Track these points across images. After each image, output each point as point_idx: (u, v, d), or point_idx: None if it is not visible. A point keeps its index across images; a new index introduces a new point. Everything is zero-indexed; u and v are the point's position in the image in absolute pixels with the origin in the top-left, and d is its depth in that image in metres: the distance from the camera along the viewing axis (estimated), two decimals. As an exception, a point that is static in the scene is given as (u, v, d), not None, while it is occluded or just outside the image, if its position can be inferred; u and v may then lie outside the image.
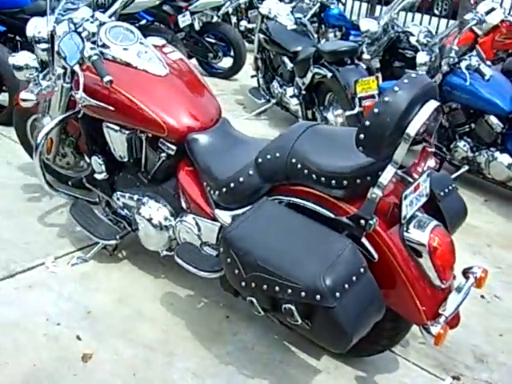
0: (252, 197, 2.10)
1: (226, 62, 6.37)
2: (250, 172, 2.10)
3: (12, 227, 2.99)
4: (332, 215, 1.92)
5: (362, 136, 1.73)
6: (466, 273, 2.04)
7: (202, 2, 5.90)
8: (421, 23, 6.90)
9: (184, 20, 5.66)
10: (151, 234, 2.53)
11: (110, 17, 2.65)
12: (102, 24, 2.54)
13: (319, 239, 1.82)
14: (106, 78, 2.21)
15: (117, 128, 2.51)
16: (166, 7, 5.60)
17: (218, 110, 2.52)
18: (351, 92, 3.98)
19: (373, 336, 2.09)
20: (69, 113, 2.67)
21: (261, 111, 5.25)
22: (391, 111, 1.67)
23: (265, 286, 1.80)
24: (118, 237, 2.64)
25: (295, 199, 2.01)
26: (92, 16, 2.58)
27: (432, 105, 1.72)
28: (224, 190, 2.17)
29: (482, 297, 2.83)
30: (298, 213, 1.93)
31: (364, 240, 1.87)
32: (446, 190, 2.17)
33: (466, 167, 3.91)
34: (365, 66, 4.40)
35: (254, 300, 1.89)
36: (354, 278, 1.74)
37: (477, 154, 3.88)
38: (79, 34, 2.31)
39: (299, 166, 1.95)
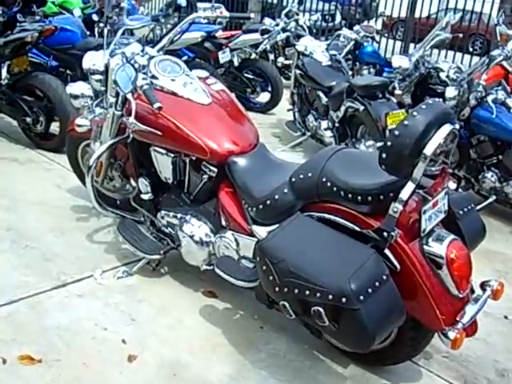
0: (286, 213, 2.30)
1: (264, 97, 6.65)
2: (285, 190, 2.31)
3: (63, 243, 3.25)
4: (358, 228, 2.10)
5: (384, 155, 1.93)
6: (483, 286, 2.19)
7: (241, 40, 6.23)
8: (453, 61, 7.09)
9: (224, 56, 5.98)
10: (193, 250, 2.74)
11: (158, 51, 2.92)
12: (151, 57, 2.81)
13: (346, 249, 2.01)
14: (156, 105, 2.46)
15: (163, 152, 2.76)
16: (207, 44, 5.93)
17: (256, 136, 2.75)
18: (382, 124, 4.17)
19: (396, 345, 2.25)
20: (119, 138, 2.93)
21: (296, 143, 5.48)
22: (410, 133, 1.86)
23: (296, 291, 1.98)
24: (161, 252, 2.86)
25: (325, 215, 2.20)
26: (142, 50, 2.86)
27: (447, 128, 1.90)
28: (261, 206, 2.38)
29: (506, 317, 2.94)
30: (327, 226, 2.12)
31: (387, 251, 2.05)
32: (465, 210, 2.33)
33: (494, 197, 4.04)
34: (396, 101, 4.60)
35: (287, 304, 2.07)
36: (377, 284, 1.91)
37: (504, 184, 4.00)
38: (133, 65, 2.58)
39: (329, 184, 2.15)
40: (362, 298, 1.86)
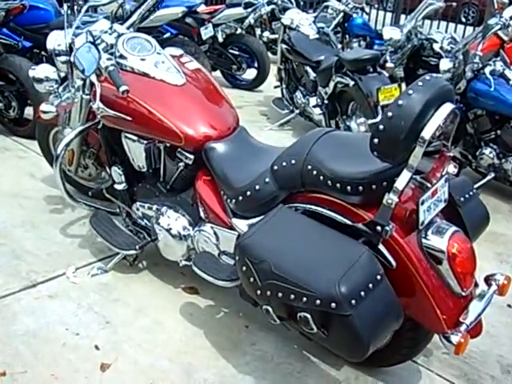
0: (268, 205, 2.08)
1: (250, 74, 6.38)
2: (266, 180, 2.09)
3: (34, 238, 3.03)
4: (349, 222, 1.89)
5: (376, 140, 1.70)
6: (488, 280, 1.99)
7: (224, 15, 5.94)
8: (446, 31, 6.83)
9: (206, 32, 5.70)
10: (170, 244, 2.53)
11: (128, 28, 2.68)
12: (120, 35, 2.56)
13: (335, 246, 1.79)
14: (122, 88, 2.22)
15: (135, 138, 2.53)
16: (188, 20, 5.64)
17: (235, 119, 2.52)
18: (374, 100, 3.94)
19: (393, 346, 2.05)
20: (88, 124, 2.69)
21: (284, 122, 5.24)
22: (405, 115, 1.64)
23: (280, 294, 1.77)
24: (137, 247, 2.64)
25: (311, 206, 1.99)
26: (110, 28, 2.61)
27: (447, 107, 1.68)
28: (240, 198, 2.16)
29: (509, 306, 2.74)
30: (313, 220, 1.91)
31: (381, 247, 1.84)
32: (467, 196, 2.11)
33: (493, 174, 3.83)
34: (388, 75, 4.37)
35: (270, 308, 1.86)
36: (371, 286, 1.70)
37: (503, 160, 3.79)
38: (95, 45, 2.33)
39: (314, 172, 1.93)
40: (353, 302, 1.65)
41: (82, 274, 2.76)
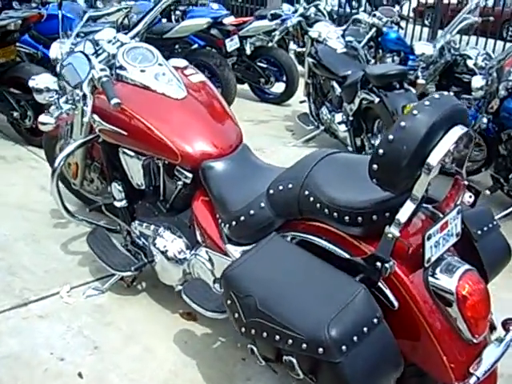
0: (264, 232, 1.91)
1: (279, 87, 6.23)
2: (262, 204, 1.91)
3: (33, 253, 2.92)
4: (347, 255, 1.69)
5: (375, 166, 1.51)
6: (506, 324, 1.76)
7: (253, 27, 5.82)
8: (485, 48, 6.54)
9: (232, 44, 5.56)
10: (165, 267, 2.37)
11: (132, 38, 2.55)
12: (122, 45, 2.44)
13: (328, 283, 1.60)
14: (113, 101, 2.09)
15: (132, 154, 2.39)
16: (214, 31, 5.53)
17: (238, 136, 2.35)
18: (398, 118, 3.72)
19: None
20: (88, 137, 2.57)
21: (309, 138, 5.05)
22: (408, 138, 1.44)
23: (264, 334, 1.59)
24: (133, 268, 2.50)
25: (308, 236, 1.80)
26: (114, 37, 2.49)
27: (457, 131, 1.48)
28: (234, 223, 1.99)
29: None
30: (308, 252, 1.72)
31: (382, 285, 1.64)
32: (485, 228, 1.89)
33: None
34: (419, 92, 4.15)
35: (255, 348, 1.69)
36: (365, 330, 1.50)
37: (538, 186, 3.53)
38: (86, 55, 2.21)
39: (311, 198, 1.75)
40: (344, 348, 1.46)
41: (76, 294, 2.63)
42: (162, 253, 2.34)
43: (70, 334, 2.37)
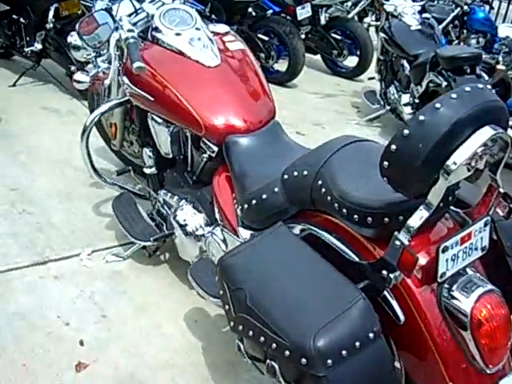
0: (275, 218, 1.75)
1: (352, 61, 5.94)
2: (276, 189, 1.75)
3: (64, 211, 2.90)
4: (356, 257, 1.52)
5: (385, 163, 1.32)
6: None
7: (330, -5, 5.53)
8: None
9: (302, 12, 5.32)
10: (183, 242, 2.27)
11: (175, -1, 2.41)
12: (162, 5, 2.32)
13: (327, 286, 1.43)
14: (136, 65, 1.98)
15: (160, 121, 2.28)
16: (285, -3, 5.31)
17: (269, 112, 2.18)
18: (465, 106, 3.41)
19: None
20: (122, 99, 2.47)
21: (373, 117, 4.79)
22: (426, 135, 1.24)
23: (250, 333, 1.45)
24: (152, 239, 2.41)
25: (319, 230, 1.63)
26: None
27: (487, 132, 1.25)
28: (246, 206, 1.84)
29: None
30: (313, 248, 1.55)
31: (389, 295, 1.45)
32: (523, 243, 1.65)
33: None
34: (496, 79, 3.80)
35: (241, 345, 1.55)
36: (358, 344, 1.33)
37: None
38: (111, 14, 2.09)
39: (323, 190, 1.57)
40: (329, 362, 1.30)
41: (97, 258, 2.59)
42: (181, 226, 2.23)
43: (81, 299, 2.33)
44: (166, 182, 2.52)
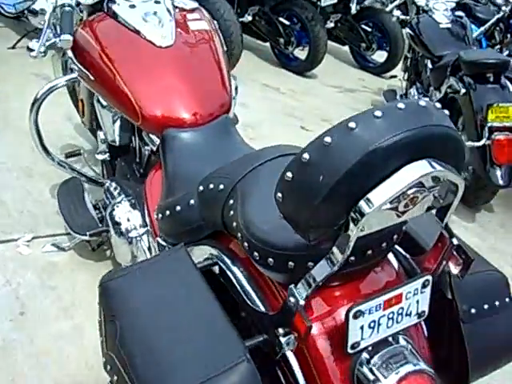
0: (190, 236, 1.47)
1: (381, 56, 5.55)
2: (191, 202, 1.46)
3: (19, 189, 2.68)
4: (260, 303, 1.22)
5: (279, 195, 1.02)
6: None
7: (364, -17, 5.15)
8: None
9: (326, -1, 4.95)
10: (116, 243, 2.01)
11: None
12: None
13: (209, 338, 1.14)
14: (62, 37, 1.72)
15: (105, 104, 2.01)
16: (310, -19, 4.95)
17: (222, 106, 1.88)
18: (480, 118, 3.05)
19: None
20: (70, 75, 2.20)
21: (390, 119, 4.42)
22: (330, 163, 0.93)
23: (115, 377, 1.19)
24: (88, 233, 2.16)
25: (227, 261, 1.33)
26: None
27: (419, 170, 0.94)
28: (160, 216, 1.56)
29: None
30: (209, 285, 1.25)
31: (291, 356, 1.15)
32: (486, 307, 1.31)
33: None
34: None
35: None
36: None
37: None
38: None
39: (231, 212, 1.28)
40: None
41: (37, 245, 2.36)
42: (114, 224, 1.98)
43: (4, 291, 2.11)
44: (117, 171, 2.26)
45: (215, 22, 2.13)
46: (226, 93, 1.92)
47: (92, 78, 1.90)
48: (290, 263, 1.11)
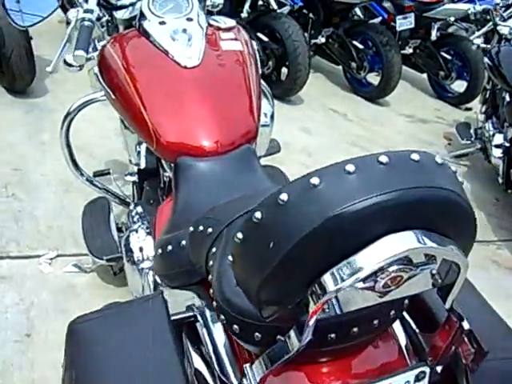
0: (179, 279, 1.33)
1: (461, 86, 5.22)
2: (183, 242, 1.31)
3: (53, 203, 2.64)
4: (231, 372, 1.05)
5: (229, 258, 0.85)
6: None
7: (445, 8, 4.86)
8: None
9: (403, 23, 4.68)
10: (128, 271, 1.89)
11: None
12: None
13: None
14: (76, 52, 1.62)
15: (127, 124, 1.91)
16: (386, 4, 4.72)
17: (245, 134, 1.71)
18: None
19: None
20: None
21: (462, 154, 4.13)
22: (284, 228, 0.75)
23: None
24: (105, 258, 2.06)
25: (208, 315, 1.17)
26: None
27: (402, 244, 0.74)
28: (154, 253, 1.43)
29: None
30: (178, 344, 1.09)
31: None
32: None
33: None
34: None
35: None
36: None
37: None
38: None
39: (211, 262, 1.12)
40: None
41: (59, 264, 2.29)
42: (127, 251, 1.86)
43: (15, 309, 2.04)
44: (143, 195, 2.15)
45: (254, 42, 1.99)
46: (253, 120, 1.75)
47: (113, 96, 1.80)
48: (257, 334, 0.93)
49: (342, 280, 0.72)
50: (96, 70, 1.89)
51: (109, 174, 2.40)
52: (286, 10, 4.54)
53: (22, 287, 2.13)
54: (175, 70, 1.75)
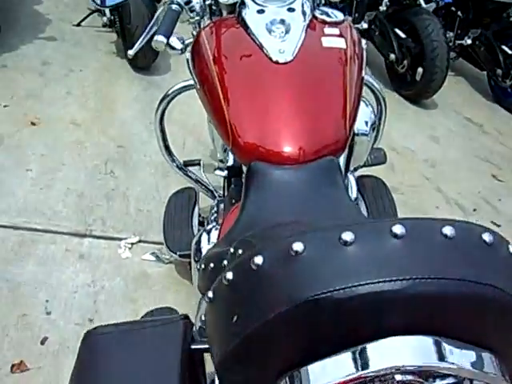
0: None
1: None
2: (225, 263, 1.16)
3: (147, 186, 2.61)
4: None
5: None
6: None
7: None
8: None
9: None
10: (193, 271, 1.78)
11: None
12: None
13: None
14: (156, 37, 1.51)
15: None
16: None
17: (332, 144, 1.51)
18: None
19: None
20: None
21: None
22: (251, 299, 0.58)
23: None
24: (178, 253, 1.97)
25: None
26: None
27: (414, 357, 0.53)
28: (200, 266, 1.29)
29: None
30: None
31: None
32: None
33: None
34: None
35: None
36: None
37: None
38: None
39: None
40: None
41: (139, 250, 2.25)
42: (196, 251, 1.75)
43: (84, 291, 2.01)
44: (229, 192, 2.03)
45: (363, 42, 1.76)
46: (344, 130, 1.54)
47: (198, 85, 1.68)
48: None
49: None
50: (188, 55, 1.78)
51: (199, 164, 2.30)
52: (431, 6, 4.19)
53: (96, 269, 2.10)
54: (265, 64, 1.58)
